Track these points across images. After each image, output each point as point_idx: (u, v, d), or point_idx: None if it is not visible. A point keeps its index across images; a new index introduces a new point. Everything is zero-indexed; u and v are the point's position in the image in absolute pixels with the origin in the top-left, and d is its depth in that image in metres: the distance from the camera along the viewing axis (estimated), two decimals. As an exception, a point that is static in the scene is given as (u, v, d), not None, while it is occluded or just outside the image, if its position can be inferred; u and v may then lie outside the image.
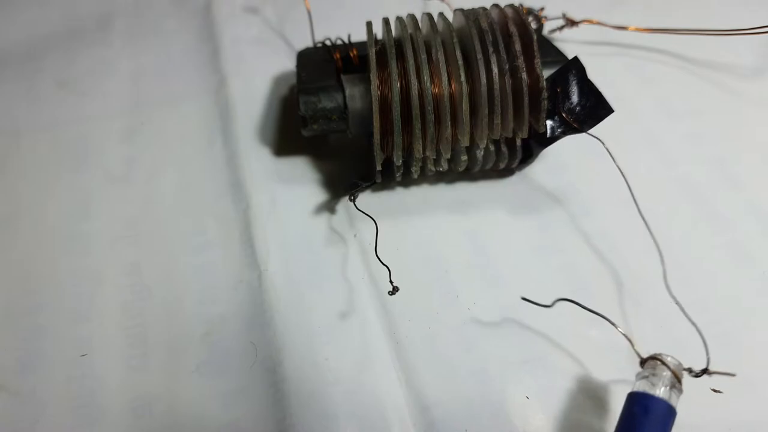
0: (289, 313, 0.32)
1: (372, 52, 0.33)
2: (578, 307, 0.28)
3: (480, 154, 0.34)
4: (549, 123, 0.32)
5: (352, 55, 0.37)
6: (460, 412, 0.29)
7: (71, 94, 0.44)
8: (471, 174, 0.37)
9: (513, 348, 0.30)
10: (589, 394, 0.29)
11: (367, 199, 0.37)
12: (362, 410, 0.29)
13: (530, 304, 0.29)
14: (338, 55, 0.37)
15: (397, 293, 0.30)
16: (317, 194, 0.37)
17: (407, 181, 0.37)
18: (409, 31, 0.33)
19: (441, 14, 0.34)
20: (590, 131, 0.32)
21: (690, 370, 0.27)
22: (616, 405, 0.28)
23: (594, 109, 0.32)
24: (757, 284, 0.32)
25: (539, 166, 0.37)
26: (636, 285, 0.32)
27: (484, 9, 0.33)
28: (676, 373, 0.25)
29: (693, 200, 0.36)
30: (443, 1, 0.46)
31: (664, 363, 0.25)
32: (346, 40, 0.39)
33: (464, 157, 0.34)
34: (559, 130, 0.32)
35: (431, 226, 0.35)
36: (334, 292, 0.33)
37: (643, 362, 0.27)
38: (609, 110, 0.32)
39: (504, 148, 0.34)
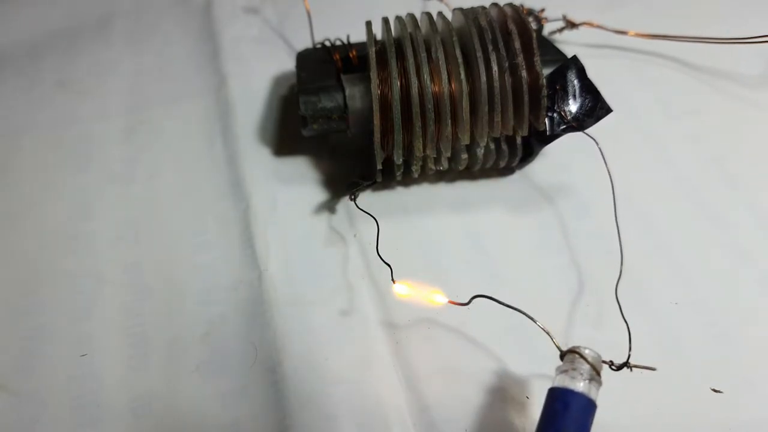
0: (289, 313, 0.32)
1: (372, 52, 0.33)
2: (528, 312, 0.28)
3: (480, 152, 0.34)
4: (549, 121, 0.32)
5: (351, 55, 0.37)
6: (460, 412, 0.29)
7: (71, 94, 0.44)
8: (471, 173, 0.37)
9: (513, 348, 0.30)
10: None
11: (367, 198, 0.37)
12: (362, 410, 0.29)
13: (529, 303, 0.29)
14: (338, 56, 0.37)
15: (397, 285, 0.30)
16: (317, 194, 0.37)
17: (408, 180, 0.37)
18: (409, 30, 0.33)
19: (440, 14, 0.34)
20: (588, 130, 0.32)
21: (611, 363, 0.26)
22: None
23: (593, 108, 0.32)
24: (756, 284, 0.32)
25: (539, 165, 0.37)
26: (636, 284, 0.32)
27: (484, 8, 0.33)
28: (594, 365, 0.25)
29: (693, 200, 0.36)
30: (442, 1, 0.46)
31: (582, 356, 0.25)
32: (346, 41, 0.39)
33: (464, 156, 0.34)
34: (559, 127, 0.32)
35: (431, 225, 0.35)
36: (334, 291, 0.33)
37: (562, 356, 0.26)
38: (608, 110, 0.32)
39: (504, 146, 0.34)
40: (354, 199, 0.34)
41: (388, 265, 0.31)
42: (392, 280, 0.30)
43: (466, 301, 0.29)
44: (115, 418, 0.29)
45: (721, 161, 0.37)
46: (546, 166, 0.37)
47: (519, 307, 0.28)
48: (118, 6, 0.50)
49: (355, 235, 0.35)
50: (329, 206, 0.36)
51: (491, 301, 0.28)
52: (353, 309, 0.32)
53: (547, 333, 0.27)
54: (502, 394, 0.29)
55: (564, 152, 0.37)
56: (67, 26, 0.48)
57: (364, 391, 0.29)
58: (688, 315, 0.31)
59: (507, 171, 0.37)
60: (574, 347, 0.26)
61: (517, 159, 0.35)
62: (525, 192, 0.37)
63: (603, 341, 0.28)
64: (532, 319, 0.27)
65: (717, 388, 0.29)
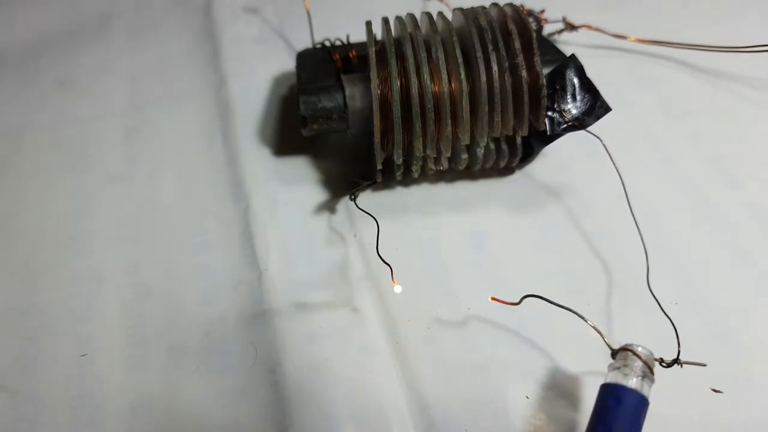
0: (289, 313, 0.32)
1: (372, 52, 0.33)
2: (545, 301, 0.28)
3: (480, 152, 0.34)
4: (549, 120, 0.32)
5: (351, 55, 0.37)
6: (460, 412, 0.29)
7: (71, 94, 0.44)
8: (471, 173, 0.37)
9: (513, 348, 0.30)
10: (572, 390, 0.29)
11: (367, 198, 0.37)
12: (362, 410, 0.29)
13: (535, 301, 0.29)
14: (338, 56, 0.37)
15: (397, 286, 0.30)
16: (317, 194, 0.37)
17: (408, 180, 0.37)
18: (409, 30, 0.33)
19: (440, 14, 0.34)
20: (589, 129, 0.32)
21: (662, 360, 0.27)
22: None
23: (592, 107, 0.32)
24: (756, 284, 0.32)
25: (540, 164, 0.37)
26: (636, 284, 0.32)
27: (484, 8, 0.33)
28: (647, 362, 0.25)
29: (693, 200, 0.36)
30: (442, 1, 0.46)
31: (635, 353, 0.25)
32: (346, 41, 0.39)
33: (465, 156, 0.34)
34: (559, 127, 0.32)
35: (431, 225, 0.35)
36: (334, 291, 0.33)
37: (614, 354, 0.26)
38: (607, 108, 0.32)
39: (504, 146, 0.34)
40: (354, 199, 0.34)
41: (389, 265, 0.31)
42: (392, 279, 0.30)
43: (517, 300, 0.29)
44: (115, 418, 0.29)
45: (721, 161, 0.37)
46: (546, 165, 0.37)
47: (571, 308, 0.28)
48: (118, 6, 0.50)
49: (355, 235, 0.35)
50: (329, 206, 0.36)
51: (492, 300, 0.28)
52: (353, 309, 0.32)
53: (599, 332, 0.27)
54: (502, 394, 0.29)
55: (564, 152, 0.37)
56: (67, 26, 0.48)
57: (364, 391, 0.29)
58: (688, 315, 0.31)
59: (507, 171, 0.37)
60: (626, 345, 0.26)
61: (517, 159, 0.35)
62: (525, 192, 0.37)
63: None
64: (583, 318, 0.28)
65: (717, 388, 0.29)
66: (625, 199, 0.33)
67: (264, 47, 0.45)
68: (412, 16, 0.34)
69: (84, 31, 0.48)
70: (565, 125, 0.32)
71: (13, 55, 0.47)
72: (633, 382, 0.25)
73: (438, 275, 0.33)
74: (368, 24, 0.35)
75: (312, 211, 0.36)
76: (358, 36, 0.37)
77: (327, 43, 0.39)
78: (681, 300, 0.32)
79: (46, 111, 0.43)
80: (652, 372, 0.25)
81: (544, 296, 0.28)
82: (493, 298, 0.29)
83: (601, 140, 0.32)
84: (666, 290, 0.32)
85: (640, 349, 0.26)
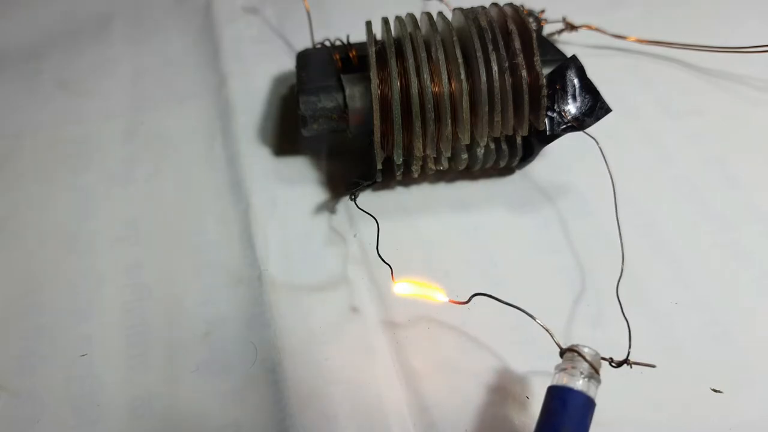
0: (289, 313, 0.32)
1: (372, 52, 0.33)
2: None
3: (480, 152, 0.34)
4: (549, 120, 0.32)
5: (351, 55, 0.37)
6: (460, 412, 0.29)
7: (71, 94, 0.44)
8: (471, 173, 0.37)
9: (513, 348, 0.30)
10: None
11: (367, 198, 0.37)
12: (362, 410, 0.29)
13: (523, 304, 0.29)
14: (337, 56, 0.37)
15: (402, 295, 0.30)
16: (317, 194, 0.37)
17: (408, 180, 0.37)
18: (409, 30, 0.33)
19: (440, 14, 0.34)
20: (588, 130, 0.32)
21: (611, 360, 0.26)
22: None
23: (592, 108, 0.32)
24: (756, 284, 0.32)
25: (540, 164, 0.37)
26: (636, 284, 0.32)
27: (483, 8, 0.33)
28: (593, 363, 0.25)
29: (693, 200, 0.36)
30: (442, 1, 0.46)
31: (580, 354, 0.25)
32: (346, 41, 0.39)
33: (465, 156, 0.34)
34: (559, 127, 0.32)
35: (431, 225, 0.35)
36: (334, 291, 0.33)
37: (562, 354, 0.26)
38: (607, 109, 0.32)
39: (504, 146, 0.34)
40: (354, 199, 0.34)
41: (389, 265, 0.31)
42: (392, 278, 0.30)
43: (465, 299, 0.29)
44: (115, 418, 0.29)
45: (721, 161, 0.37)
46: (546, 166, 0.37)
47: (519, 306, 0.28)
48: (118, 6, 0.50)
49: (355, 235, 0.35)
50: (329, 206, 0.36)
51: (491, 299, 0.28)
52: (353, 309, 0.32)
53: (548, 331, 0.27)
54: (503, 394, 0.29)
55: (564, 152, 0.37)
56: (67, 26, 0.48)
57: (364, 391, 0.29)
58: (688, 315, 0.31)
59: (507, 171, 0.37)
60: (573, 345, 0.26)
61: (517, 159, 0.35)
62: (525, 192, 0.37)
63: (603, 340, 0.28)
64: (531, 317, 0.27)
65: (717, 388, 0.29)
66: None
67: (264, 47, 0.45)
68: (412, 16, 0.34)
69: (84, 31, 0.48)
70: (564, 126, 0.32)
71: (13, 56, 0.46)
72: (579, 384, 0.24)
73: (438, 275, 0.33)
74: (368, 24, 0.35)
75: (312, 211, 0.36)
76: (358, 36, 0.37)
77: (327, 43, 0.39)
78: (681, 300, 0.32)
79: (46, 111, 0.43)
80: (598, 373, 0.25)
81: (493, 296, 0.28)
82: (451, 301, 0.29)
83: (597, 142, 0.32)
84: (666, 290, 0.32)
85: (586, 350, 0.25)
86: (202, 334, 0.32)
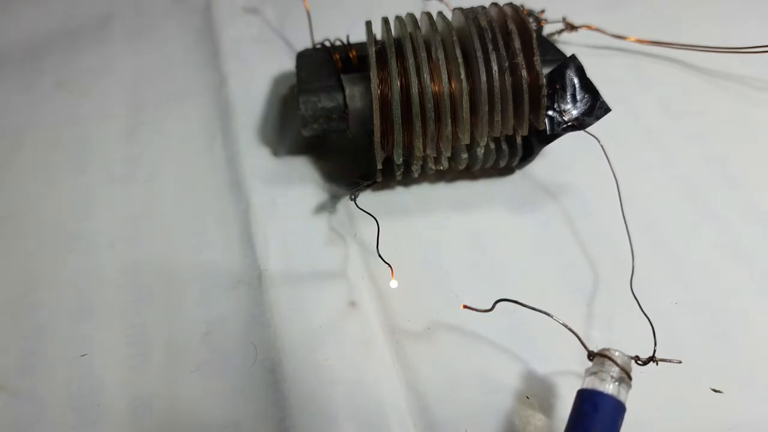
0: (289, 313, 0.32)
1: (372, 52, 0.33)
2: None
3: (480, 152, 0.34)
4: (549, 120, 0.32)
5: (351, 55, 0.37)
6: (460, 412, 0.29)
7: (71, 94, 0.44)
8: (471, 173, 0.37)
9: (513, 348, 0.30)
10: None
11: (367, 198, 0.37)
12: (362, 410, 0.29)
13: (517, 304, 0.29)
14: (338, 56, 0.37)
15: (393, 280, 0.30)
16: (317, 194, 0.37)
17: (408, 180, 0.37)
18: (409, 30, 0.33)
19: (440, 13, 0.34)
20: (588, 129, 0.32)
21: (637, 358, 0.26)
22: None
23: (591, 107, 0.32)
24: (756, 284, 0.32)
25: (539, 164, 0.37)
26: (636, 284, 0.32)
27: (483, 8, 0.33)
28: (624, 367, 0.25)
29: (693, 200, 0.36)
30: (442, 1, 0.46)
31: (611, 358, 0.25)
32: (346, 41, 0.39)
33: (465, 156, 0.34)
34: (559, 127, 0.32)
35: (432, 225, 0.35)
36: (334, 292, 0.33)
37: (591, 358, 0.26)
38: (606, 109, 0.32)
39: (504, 146, 0.34)
40: (354, 199, 0.34)
41: (389, 265, 0.31)
42: (390, 270, 0.30)
43: (488, 306, 0.28)
44: (115, 418, 0.29)
45: (721, 161, 0.37)
46: (546, 165, 0.37)
47: (547, 311, 0.27)
48: (118, 6, 0.50)
49: (355, 235, 0.35)
50: (329, 206, 0.36)
51: (515, 304, 0.28)
52: (353, 309, 0.32)
53: (576, 335, 0.27)
54: (503, 394, 0.29)
55: (564, 152, 0.37)
56: (67, 26, 0.48)
57: (364, 391, 0.29)
58: (688, 315, 0.31)
59: (507, 171, 0.37)
60: (603, 350, 0.26)
61: (518, 159, 0.35)
62: (525, 192, 0.37)
63: (603, 339, 0.28)
64: (564, 324, 0.27)
65: (717, 388, 0.29)
66: (625, 199, 0.33)
67: (264, 47, 0.45)
68: (412, 16, 0.34)
69: (84, 31, 0.48)
70: (564, 125, 0.32)
71: (13, 55, 0.47)
72: (610, 388, 0.25)
73: (438, 275, 0.33)
74: (368, 24, 0.35)
75: (312, 211, 0.36)
76: (358, 36, 0.37)
77: (327, 43, 0.39)
78: (681, 300, 0.32)
79: (46, 111, 0.43)
80: (629, 377, 0.25)
81: (518, 301, 0.28)
82: (464, 306, 0.29)
83: (598, 141, 0.32)
84: (666, 290, 0.32)
85: (617, 354, 0.25)
86: (202, 334, 0.32)
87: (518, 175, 0.37)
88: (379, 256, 0.31)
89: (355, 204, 0.34)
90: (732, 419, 0.28)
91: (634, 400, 0.28)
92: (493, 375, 0.30)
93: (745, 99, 0.41)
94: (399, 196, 0.37)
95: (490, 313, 0.31)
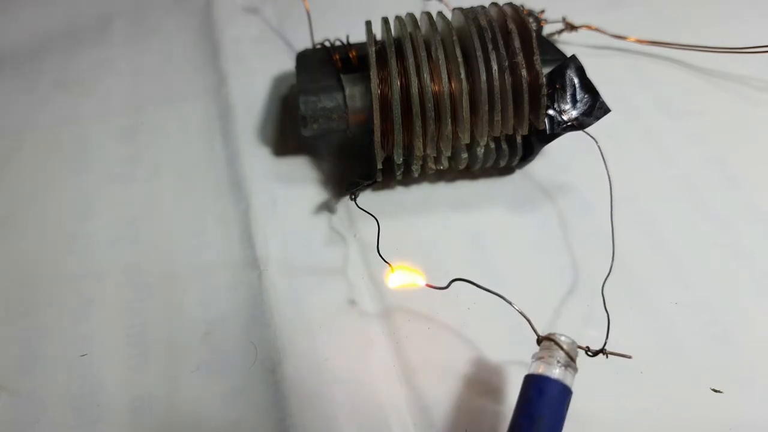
0: (289, 313, 0.32)
1: (372, 52, 0.33)
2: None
3: (480, 151, 0.34)
4: (549, 120, 0.32)
5: (351, 55, 0.37)
6: (460, 412, 0.29)
7: (71, 94, 0.44)
8: (471, 172, 0.37)
9: (513, 348, 0.30)
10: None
11: (367, 198, 0.37)
12: (362, 410, 0.29)
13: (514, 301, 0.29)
14: (338, 56, 0.37)
15: (394, 287, 0.30)
16: (317, 194, 0.37)
17: (408, 180, 0.37)
18: (409, 30, 0.33)
19: (440, 13, 0.34)
20: (588, 130, 0.32)
21: (587, 349, 0.26)
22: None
23: (591, 108, 0.32)
24: (756, 284, 0.32)
25: (539, 164, 0.37)
26: (636, 284, 0.32)
27: (483, 8, 0.33)
28: (569, 352, 0.25)
29: (693, 200, 0.36)
30: (442, 1, 0.46)
31: (557, 343, 0.25)
32: (346, 41, 0.39)
33: (465, 155, 0.34)
34: (559, 127, 0.32)
35: (432, 224, 0.35)
36: (335, 292, 0.33)
37: (539, 342, 0.26)
38: (606, 110, 0.32)
39: (504, 146, 0.34)
40: (354, 199, 0.34)
41: (389, 265, 0.31)
42: (390, 269, 0.30)
43: (445, 284, 0.29)
44: (115, 418, 0.29)
45: (721, 161, 0.37)
46: (546, 165, 0.37)
47: (497, 292, 0.28)
48: (118, 6, 0.50)
49: (355, 235, 0.35)
50: (329, 206, 0.36)
51: (478, 289, 0.28)
52: (353, 309, 0.32)
53: (526, 318, 0.27)
54: (503, 394, 0.29)
55: (564, 152, 0.37)
56: (67, 26, 0.48)
57: (364, 391, 0.29)
58: (688, 315, 0.31)
59: (507, 170, 0.37)
60: (549, 334, 0.26)
61: (517, 158, 0.35)
62: (525, 191, 0.37)
63: (602, 338, 0.28)
64: (509, 302, 0.27)
65: (717, 388, 0.29)
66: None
67: (264, 47, 0.45)
68: (411, 16, 0.34)
69: (84, 31, 0.48)
70: (564, 125, 0.32)
71: (13, 56, 0.46)
72: (556, 372, 0.25)
73: (438, 275, 0.33)
74: (368, 24, 0.35)
75: (312, 211, 0.36)
76: (358, 36, 0.37)
77: (327, 43, 0.39)
78: (681, 300, 0.32)
79: (46, 111, 0.43)
80: (574, 361, 0.25)
81: (472, 281, 0.28)
82: (428, 285, 0.29)
83: (596, 141, 0.32)
84: (666, 290, 0.32)
85: (563, 338, 0.25)
86: (202, 334, 0.32)
87: (518, 175, 0.37)
88: (380, 255, 0.31)
89: (355, 204, 0.34)
90: (732, 419, 0.28)
91: (633, 400, 0.29)
92: (493, 375, 0.30)
93: (745, 99, 0.41)
94: (399, 196, 0.37)
95: (489, 313, 0.31)
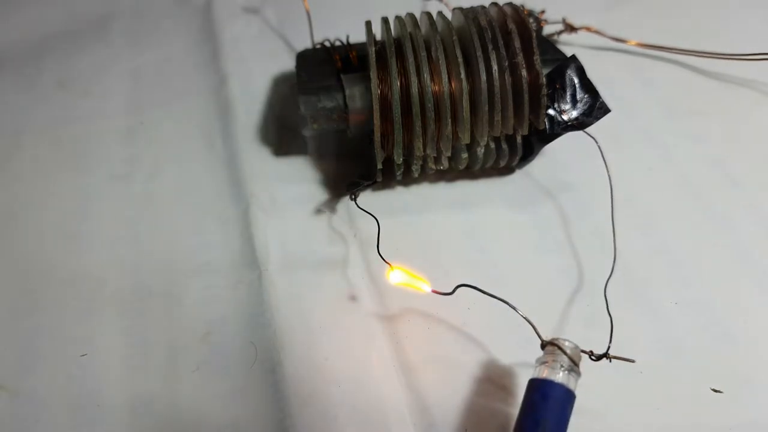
0: (289, 313, 0.32)
1: (372, 52, 0.33)
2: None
3: (480, 151, 0.34)
4: (549, 120, 0.32)
5: (351, 55, 0.37)
6: (460, 412, 0.29)
7: (71, 94, 0.44)
8: (471, 172, 0.37)
9: (513, 348, 0.30)
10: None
11: (367, 198, 0.37)
12: (362, 410, 0.29)
13: (511, 301, 0.29)
14: (337, 56, 0.37)
15: (395, 286, 0.30)
16: (317, 194, 0.37)
17: (408, 180, 0.37)
18: (409, 30, 0.33)
19: (440, 13, 0.34)
20: (588, 130, 0.32)
21: (591, 353, 0.27)
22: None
23: (591, 108, 0.32)
24: (756, 284, 0.32)
25: (539, 164, 0.37)
26: (636, 284, 0.32)
27: (483, 8, 0.33)
28: (572, 357, 0.25)
29: (693, 200, 0.36)
30: (442, 1, 0.46)
31: (560, 348, 0.26)
32: (345, 41, 0.39)
33: (465, 155, 0.34)
34: (559, 127, 0.32)
35: (432, 225, 0.35)
36: (335, 291, 0.33)
37: (543, 347, 0.27)
38: (606, 110, 0.32)
39: (504, 146, 0.34)
40: (354, 199, 0.34)
41: (389, 265, 0.31)
42: (389, 267, 0.30)
43: (450, 290, 0.29)
44: (115, 418, 0.29)
45: (721, 161, 0.37)
46: (546, 165, 0.37)
47: (503, 298, 0.28)
48: (118, 6, 0.50)
49: (355, 235, 0.35)
50: (329, 206, 0.36)
51: (480, 293, 0.28)
52: (353, 309, 0.32)
53: (530, 323, 0.27)
54: (504, 395, 0.29)
55: (564, 152, 0.37)
56: (67, 26, 0.48)
57: (364, 391, 0.29)
58: (688, 315, 0.31)
59: (507, 170, 0.37)
60: (553, 339, 0.26)
61: (517, 158, 0.35)
62: (525, 191, 0.37)
63: (601, 339, 0.28)
64: (514, 308, 0.27)
65: (717, 388, 0.29)
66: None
67: (264, 47, 0.45)
68: (411, 16, 0.34)
69: (84, 31, 0.48)
70: (564, 125, 0.32)
71: (13, 55, 0.47)
72: (559, 377, 0.25)
73: (438, 275, 0.33)
74: (368, 24, 0.35)
75: (312, 211, 0.36)
76: (358, 36, 0.37)
77: (327, 43, 0.39)
78: (681, 300, 0.32)
79: (46, 111, 0.43)
80: (577, 365, 0.25)
81: (477, 287, 0.28)
82: (434, 291, 0.29)
83: (596, 141, 0.32)
84: (666, 290, 0.32)
85: (566, 343, 0.26)
86: (202, 334, 0.32)
87: (518, 175, 0.37)
88: (380, 255, 0.31)
89: (355, 204, 0.34)
90: (732, 419, 0.28)
91: (633, 400, 0.29)
92: (493, 374, 0.30)
93: (745, 99, 0.41)
94: (399, 196, 0.37)
95: (489, 313, 0.31)
